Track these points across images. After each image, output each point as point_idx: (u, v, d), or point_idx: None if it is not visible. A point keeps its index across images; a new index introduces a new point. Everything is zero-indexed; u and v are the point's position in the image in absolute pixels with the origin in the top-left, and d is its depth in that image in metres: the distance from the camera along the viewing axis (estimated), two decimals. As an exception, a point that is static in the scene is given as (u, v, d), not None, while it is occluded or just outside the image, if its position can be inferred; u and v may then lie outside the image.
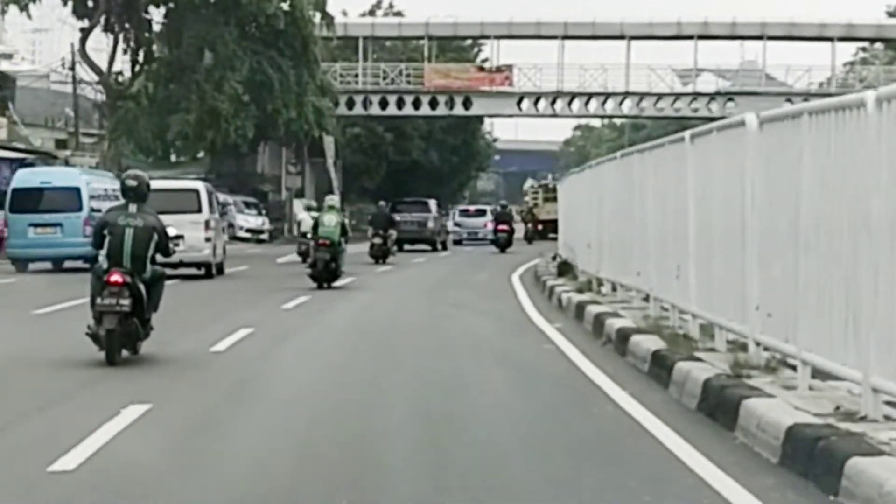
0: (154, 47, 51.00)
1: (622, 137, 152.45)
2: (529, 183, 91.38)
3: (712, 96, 69.44)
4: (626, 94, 69.41)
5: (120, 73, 51.90)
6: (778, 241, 10.53)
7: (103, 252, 13.84)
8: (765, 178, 10.96)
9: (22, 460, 8.68)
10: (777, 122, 10.71)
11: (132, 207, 13.95)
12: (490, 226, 57.65)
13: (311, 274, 26.49)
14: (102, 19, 49.69)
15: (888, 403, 8.47)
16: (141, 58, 50.75)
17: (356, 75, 70.10)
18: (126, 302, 13.41)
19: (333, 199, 28.61)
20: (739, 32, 69.77)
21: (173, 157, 60.54)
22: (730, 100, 68.59)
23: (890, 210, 8.12)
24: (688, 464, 8.33)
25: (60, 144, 58.33)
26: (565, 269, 26.63)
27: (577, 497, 7.61)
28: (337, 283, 26.58)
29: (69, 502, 7.61)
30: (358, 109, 70.29)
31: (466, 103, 70.19)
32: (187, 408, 11.06)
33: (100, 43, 52.16)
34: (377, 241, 38.45)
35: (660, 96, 69.62)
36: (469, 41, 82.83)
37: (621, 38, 69.07)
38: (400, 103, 70.19)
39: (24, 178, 33.96)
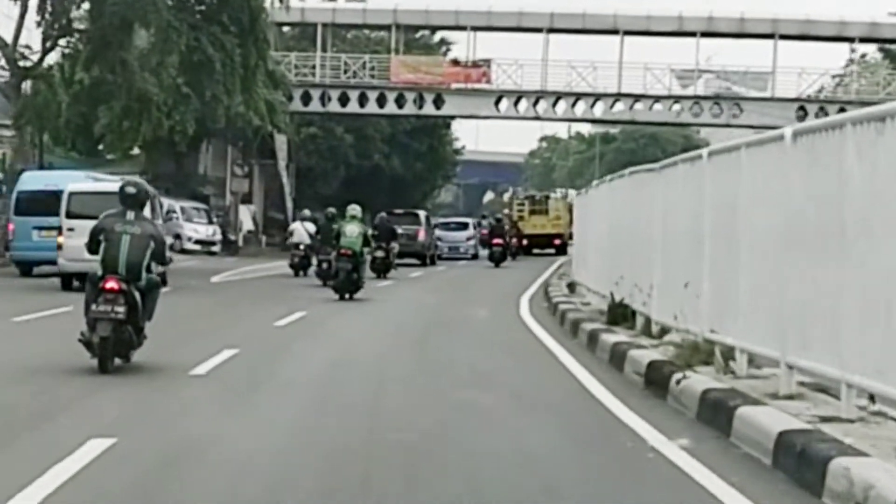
0: (73, 16, 42.24)
1: (590, 150, 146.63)
2: (512, 192, 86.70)
3: (716, 100, 62.11)
4: (619, 96, 62.30)
5: (28, 46, 43.19)
6: None
7: (98, 258, 13.94)
8: None
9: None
10: None
11: (130, 214, 14.03)
12: (472, 241, 57.80)
13: (333, 285, 27.06)
14: (9, -20, 41.14)
15: None
16: (56, 30, 41.99)
17: (313, 67, 63.33)
18: (121, 309, 13.51)
19: (356, 209, 28.16)
20: (748, 30, 62.22)
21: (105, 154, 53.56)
22: (735, 105, 61.85)
23: None
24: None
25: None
26: (618, 313, 18.32)
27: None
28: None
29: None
30: (315, 105, 63.47)
31: (437, 102, 63.40)
32: (155, 444, 9.59)
33: (8, 8, 43.17)
34: (380, 254, 36.67)
35: (657, 99, 62.30)
36: (439, 39, 77.25)
37: (614, 32, 61.88)
38: (362, 100, 63.30)
39: (30, 181, 34.49)
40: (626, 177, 20.05)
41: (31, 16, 41.81)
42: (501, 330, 20.82)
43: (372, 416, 11.38)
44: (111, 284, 13.44)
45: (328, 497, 8.02)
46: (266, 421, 11.01)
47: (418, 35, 75.94)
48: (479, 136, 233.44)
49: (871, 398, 9.32)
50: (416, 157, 79.46)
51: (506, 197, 79.61)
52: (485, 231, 60.96)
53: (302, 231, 37.24)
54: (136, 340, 13.86)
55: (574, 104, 62.74)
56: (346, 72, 63.02)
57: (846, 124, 9.45)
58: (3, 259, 36.55)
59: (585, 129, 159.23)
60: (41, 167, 44.86)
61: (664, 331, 15.81)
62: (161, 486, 8.23)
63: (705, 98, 62.35)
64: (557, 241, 62.66)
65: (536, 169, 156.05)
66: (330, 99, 62.95)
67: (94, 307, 13.46)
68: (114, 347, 13.47)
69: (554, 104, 62.61)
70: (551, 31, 62.24)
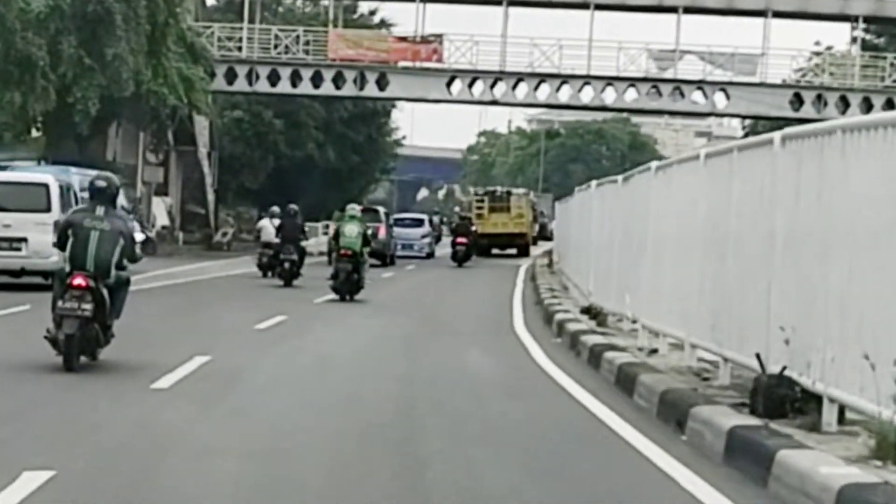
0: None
1: (533, 145, 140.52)
2: (447, 190, 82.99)
3: (699, 85, 55.64)
4: (588, 79, 55.84)
5: None
6: None
7: (66, 254, 13.86)
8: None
9: None
10: None
11: (99, 210, 13.92)
12: (427, 239, 57.55)
13: (333, 286, 27.00)
14: None
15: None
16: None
17: (240, 41, 57.12)
18: (88, 306, 13.46)
19: (356, 209, 28.55)
20: (737, 5, 55.87)
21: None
22: (721, 90, 55.72)
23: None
24: None
25: None
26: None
27: None
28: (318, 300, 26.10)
29: None
30: (241, 84, 57.05)
31: (381, 82, 56.90)
32: (97, 477, 8.50)
33: None
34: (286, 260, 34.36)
35: (632, 82, 55.52)
36: (379, 20, 71.80)
37: (584, 6, 56.11)
38: (295, 79, 56.73)
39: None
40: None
41: None
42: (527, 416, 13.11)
43: None
44: (79, 281, 13.54)
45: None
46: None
47: (356, 15, 69.89)
48: (415, 130, 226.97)
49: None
50: (353, 149, 74.92)
51: (440, 194, 76.76)
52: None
53: (271, 229, 35.65)
54: (104, 338, 13.96)
55: (537, 87, 56.28)
56: (276, 47, 56.85)
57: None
58: None
59: (527, 124, 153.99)
60: None
61: None
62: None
63: (687, 82, 55.94)
64: (521, 242, 60.59)
65: (475, 165, 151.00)
66: (258, 77, 56.55)
67: (60, 303, 13.53)
68: (80, 345, 13.56)
69: (514, 86, 56.29)
70: (512, 3, 56.99)
